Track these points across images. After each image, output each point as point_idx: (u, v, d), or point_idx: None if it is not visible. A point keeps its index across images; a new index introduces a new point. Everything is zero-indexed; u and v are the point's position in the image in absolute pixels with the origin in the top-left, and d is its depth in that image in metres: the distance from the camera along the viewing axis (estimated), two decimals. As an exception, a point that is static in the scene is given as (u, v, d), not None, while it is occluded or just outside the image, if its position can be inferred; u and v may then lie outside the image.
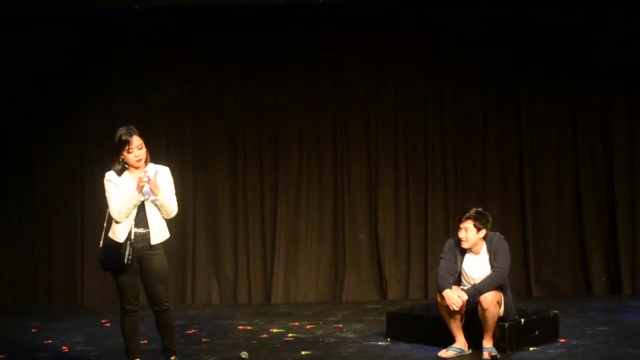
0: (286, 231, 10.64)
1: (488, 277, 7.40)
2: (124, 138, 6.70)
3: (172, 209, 6.81)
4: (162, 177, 6.76)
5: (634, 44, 10.23)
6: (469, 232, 7.46)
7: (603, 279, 10.37)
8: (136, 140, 6.73)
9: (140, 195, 6.64)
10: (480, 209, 7.54)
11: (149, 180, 6.62)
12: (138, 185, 6.63)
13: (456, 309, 7.31)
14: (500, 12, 10.34)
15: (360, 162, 10.64)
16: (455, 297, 7.30)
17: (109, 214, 6.75)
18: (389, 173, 10.61)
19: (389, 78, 10.60)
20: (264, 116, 10.68)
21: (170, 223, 6.93)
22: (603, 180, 10.43)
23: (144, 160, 6.78)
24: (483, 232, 7.49)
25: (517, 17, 10.36)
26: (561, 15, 10.31)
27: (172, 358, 6.90)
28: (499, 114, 10.55)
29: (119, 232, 6.71)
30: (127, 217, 6.69)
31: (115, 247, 6.69)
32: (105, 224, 6.82)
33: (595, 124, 10.44)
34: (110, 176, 6.77)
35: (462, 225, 7.49)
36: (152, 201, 6.73)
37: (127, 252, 6.65)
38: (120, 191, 6.68)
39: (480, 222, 7.46)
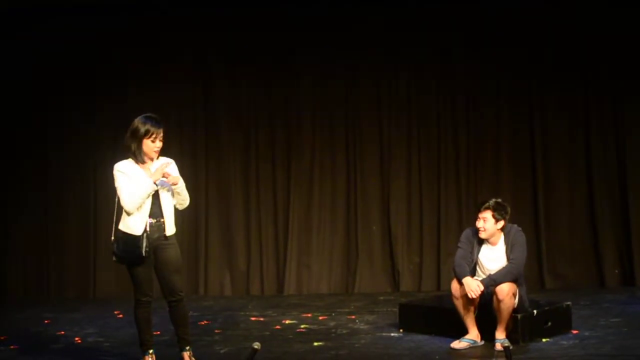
0: (299, 223, 10.65)
1: (504, 268, 7.39)
2: (152, 127, 6.66)
3: (187, 198, 6.84)
4: (173, 168, 6.78)
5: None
6: (487, 223, 7.46)
7: (616, 271, 10.35)
8: (161, 132, 6.73)
9: (155, 185, 6.62)
10: (499, 200, 7.54)
11: (168, 175, 6.62)
12: (156, 171, 6.60)
13: (475, 296, 7.29)
14: (514, 7, 10.31)
15: (373, 155, 10.64)
16: (474, 285, 7.28)
17: (118, 206, 6.68)
18: (402, 165, 10.61)
19: (402, 71, 10.58)
20: (277, 109, 10.69)
21: (184, 215, 6.95)
22: (615, 172, 10.40)
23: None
24: (501, 224, 7.48)
25: (531, 12, 10.31)
26: (574, 11, 10.27)
27: (187, 348, 6.90)
28: (512, 107, 10.53)
29: (135, 225, 6.64)
30: (139, 208, 6.62)
31: (130, 240, 6.63)
32: (114, 217, 6.75)
33: (608, 117, 10.41)
34: (120, 167, 6.70)
35: (480, 215, 7.49)
36: (173, 190, 6.70)
37: (144, 245, 6.60)
38: (132, 182, 6.62)
39: (499, 212, 7.45)
